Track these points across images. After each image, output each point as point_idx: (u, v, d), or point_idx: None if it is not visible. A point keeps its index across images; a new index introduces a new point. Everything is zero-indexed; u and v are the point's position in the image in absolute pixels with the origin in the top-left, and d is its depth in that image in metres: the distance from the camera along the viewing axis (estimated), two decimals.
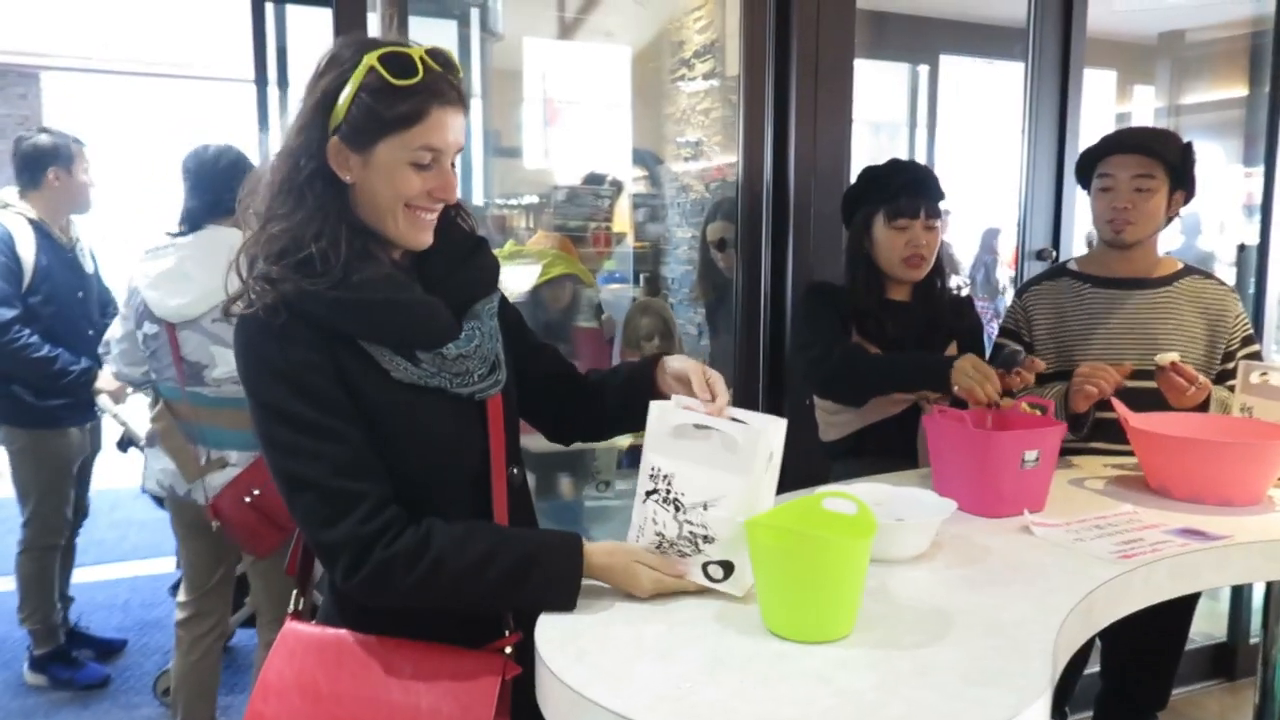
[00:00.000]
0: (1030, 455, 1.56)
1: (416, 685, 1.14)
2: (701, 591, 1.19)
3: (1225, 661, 3.24)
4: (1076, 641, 1.22)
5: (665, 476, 1.23)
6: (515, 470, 1.28)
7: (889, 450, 1.99)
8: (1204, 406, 1.95)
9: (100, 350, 2.53)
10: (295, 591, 1.26)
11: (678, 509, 1.22)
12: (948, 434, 1.61)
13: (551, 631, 1.11)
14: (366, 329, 1.15)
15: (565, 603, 1.15)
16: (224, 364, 2.18)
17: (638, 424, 1.36)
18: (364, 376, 1.15)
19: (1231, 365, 2.07)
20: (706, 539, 1.21)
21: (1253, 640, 3.24)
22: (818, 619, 1.08)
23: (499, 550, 1.14)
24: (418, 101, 1.13)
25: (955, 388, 1.73)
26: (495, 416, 1.24)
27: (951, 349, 2.06)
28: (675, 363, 1.32)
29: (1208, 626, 3.26)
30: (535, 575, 1.14)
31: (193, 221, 2.26)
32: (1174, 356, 1.90)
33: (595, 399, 1.41)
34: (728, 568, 1.21)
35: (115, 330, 2.36)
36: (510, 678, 1.16)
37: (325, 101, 1.13)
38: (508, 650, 1.20)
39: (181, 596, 2.48)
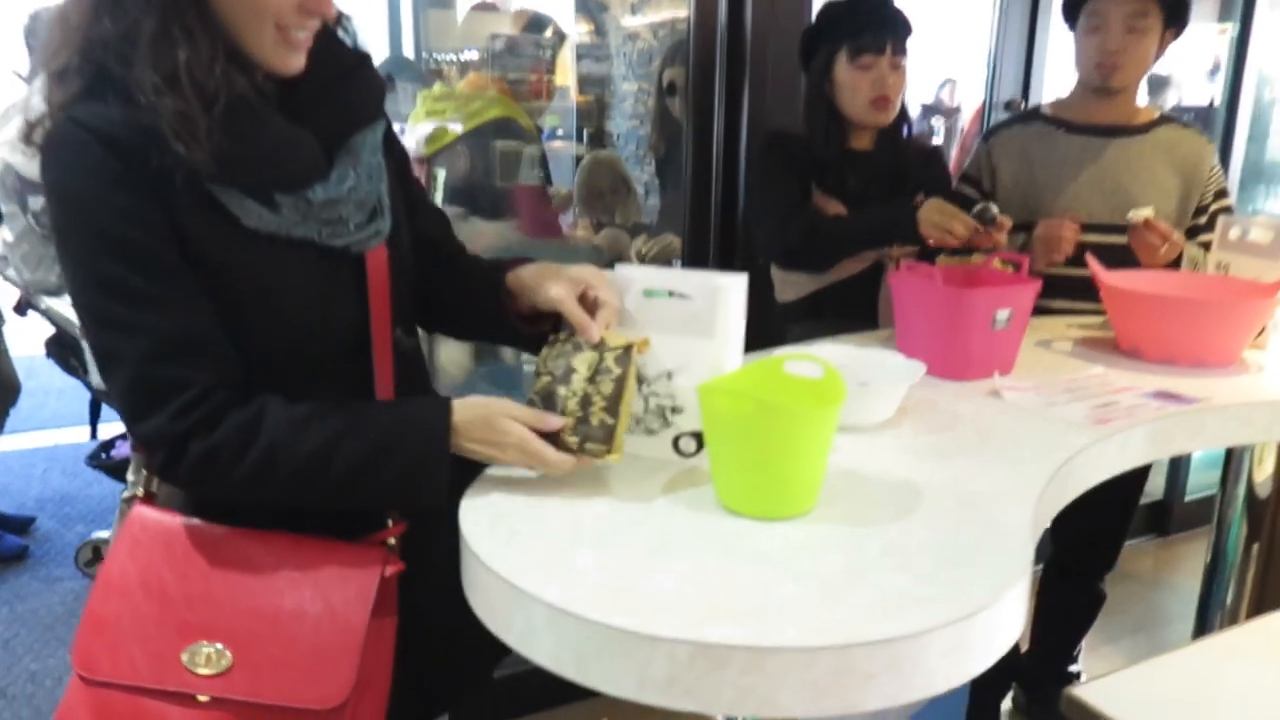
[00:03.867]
0: (1002, 315, 1.45)
1: (279, 584, 0.98)
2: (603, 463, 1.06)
3: (1161, 518, 3.29)
4: (1050, 514, 1.13)
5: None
6: (403, 334, 1.10)
7: (848, 311, 1.88)
8: (1175, 265, 1.86)
9: None
10: (144, 470, 1.05)
11: (641, 381, 1.09)
12: (915, 291, 1.49)
13: (478, 513, 0.98)
14: (210, 165, 0.90)
15: (431, 496, 0.97)
16: None
17: (493, 337, 1.23)
18: (207, 226, 0.93)
19: (1204, 220, 1.97)
20: (675, 409, 1.09)
21: (1188, 498, 3.29)
22: (779, 494, 0.97)
23: (345, 436, 0.95)
24: None
25: (924, 235, 1.60)
26: (376, 273, 1.04)
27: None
28: (549, 288, 1.08)
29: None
30: (390, 466, 0.96)
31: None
32: (1148, 213, 1.79)
33: (461, 289, 1.20)
34: (700, 439, 1.09)
35: (5, 235, 2.12)
36: (392, 574, 1.01)
37: None
38: (390, 542, 1.04)
39: (131, 475, 2.32)
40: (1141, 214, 1.77)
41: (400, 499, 1.02)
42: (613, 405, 1.03)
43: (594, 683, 0.80)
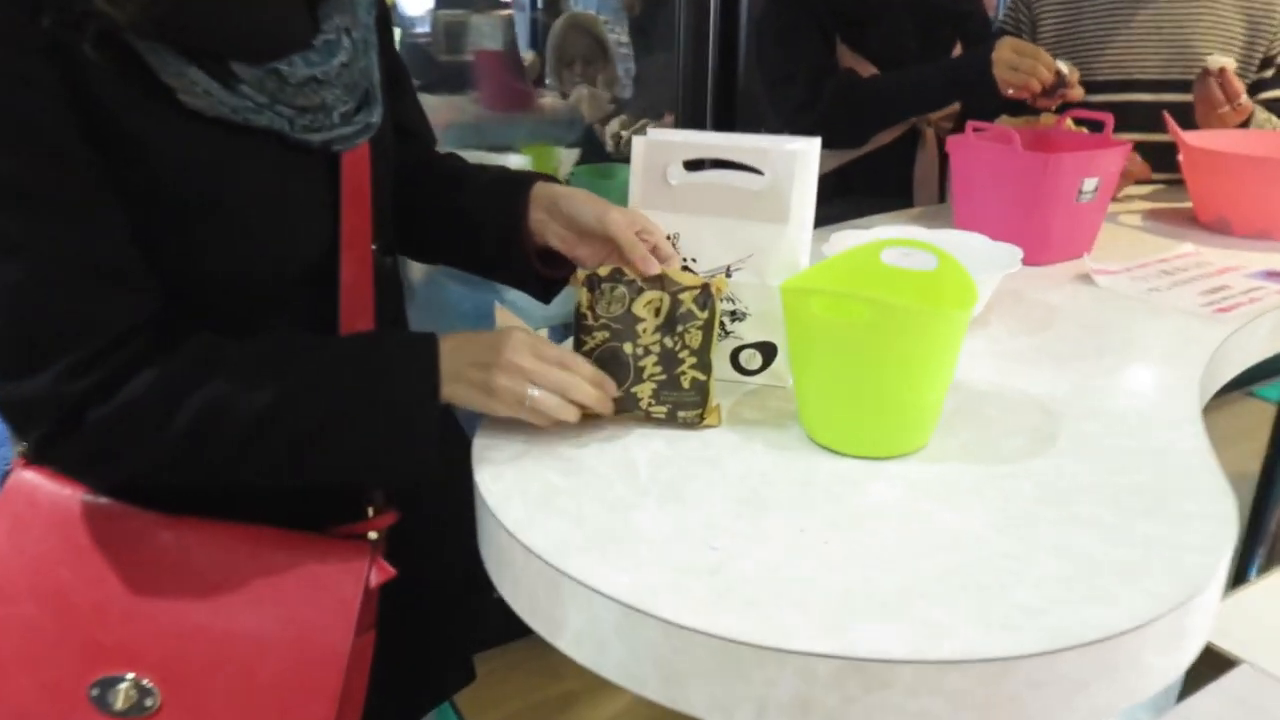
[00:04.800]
0: (1089, 185, 1.22)
1: (228, 594, 0.71)
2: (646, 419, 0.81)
3: None
4: None
5: (668, 238, 0.84)
6: (382, 253, 0.82)
7: (879, 187, 1.63)
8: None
9: None
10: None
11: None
12: (984, 159, 1.25)
13: (497, 464, 0.74)
14: (136, 12, 0.62)
15: (417, 464, 0.72)
16: None
17: (486, 267, 0.92)
18: (130, 103, 0.65)
19: (1270, 73, 1.74)
20: (734, 316, 0.85)
21: None
22: (894, 426, 0.74)
23: (304, 389, 0.69)
24: None
25: (1001, 82, 1.34)
26: (355, 177, 0.77)
27: (956, 53, 1.65)
28: (603, 211, 0.81)
29: None
30: (363, 427, 0.70)
31: None
32: (1229, 62, 1.55)
33: (447, 198, 0.92)
34: (767, 351, 0.86)
35: None
36: (379, 584, 0.75)
37: None
38: (373, 536, 0.78)
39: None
40: (1220, 61, 1.53)
41: (377, 472, 0.75)
42: (703, 359, 0.79)
43: (694, 708, 0.57)
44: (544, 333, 1.91)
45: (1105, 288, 1.15)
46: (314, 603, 0.74)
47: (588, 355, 0.78)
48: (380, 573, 0.77)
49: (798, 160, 0.82)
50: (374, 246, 0.80)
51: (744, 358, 0.88)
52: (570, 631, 0.62)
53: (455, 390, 0.73)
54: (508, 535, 0.66)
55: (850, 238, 1.08)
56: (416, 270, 2.00)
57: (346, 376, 0.70)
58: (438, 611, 0.93)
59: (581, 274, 0.79)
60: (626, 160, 0.87)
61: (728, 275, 0.84)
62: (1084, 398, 0.85)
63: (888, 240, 0.81)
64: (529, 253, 0.86)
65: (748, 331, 0.87)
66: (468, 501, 0.74)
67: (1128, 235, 1.39)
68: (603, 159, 2.38)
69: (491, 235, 0.87)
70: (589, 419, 0.79)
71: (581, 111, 2.36)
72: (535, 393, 0.73)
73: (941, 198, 1.63)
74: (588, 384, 0.75)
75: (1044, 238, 1.21)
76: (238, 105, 0.68)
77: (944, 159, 1.62)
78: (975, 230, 1.16)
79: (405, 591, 0.81)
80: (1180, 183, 1.55)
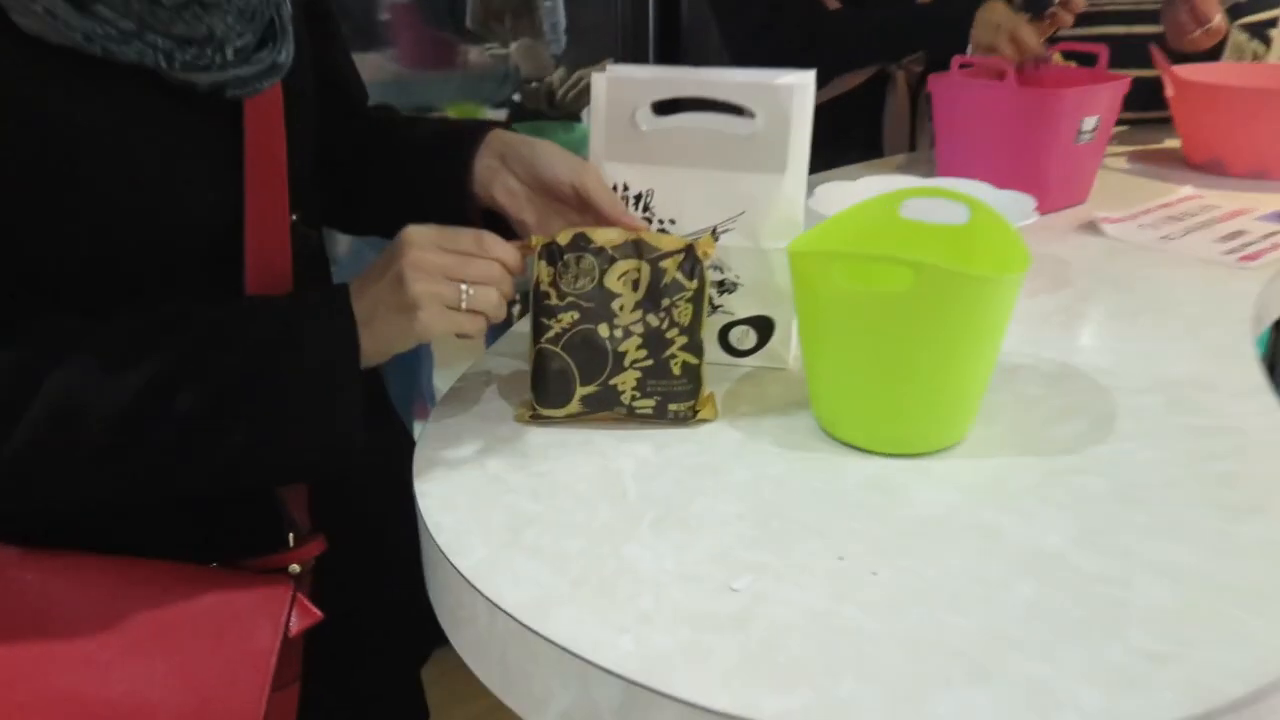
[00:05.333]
0: (1089, 124, 1.10)
1: (106, 650, 0.56)
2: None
3: None
4: None
5: (639, 197, 0.69)
6: (302, 224, 0.65)
7: (845, 135, 1.49)
8: (1214, 55, 1.53)
9: None
10: None
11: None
12: (972, 98, 1.12)
13: (440, 489, 0.59)
14: None
15: (336, 455, 0.57)
16: None
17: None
18: None
19: None
20: (723, 286, 0.71)
21: None
22: (931, 416, 0.61)
23: (184, 370, 0.54)
24: None
25: (978, 43, 1.21)
26: (263, 133, 0.61)
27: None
28: (552, 158, 0.68)
29: None
30: (262, 412, 0.55)
31: None
32: None
33: (372, 159, 0.78)
34: (762, 327, 0.72)
35: None
36: (303, 631, 0.61)
37: None
38: (294, 570, 0.63)
39: None
40: None
41: (291, 458, 0.58)
42: (694, 339, 0.64)
43: None
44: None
45: (1115, 237, 1.04)
46: (219, 656, 0.59)
47: (553, 343, 0.63)
48: (304, 616, 0.62)
49: (795, 96, 0.67)
50: (294, 218, 0.64)
51: (735, 336, 0.74)
52: (555, 713, 0.48)
53: (374, 332, 0.57)
54: (466, 585, 0.51)
55: (838, 191, 0.94)
56: (341, 243, 1.81)
57: (243, 340, 0.55)
58: (379, 658, 0.77)
59: (536, 241, 0.63)
60: (568, 118, 0.72)
61: (714, 238, 0.70)
62: (1131, 366, 0.73)
63: (909, 190, 0.67)
64: (474, 210, 0.71)
65: (739, 305, 0.72)
66: (413, 517, 0.59)
67: (1118, 180, 1.28)
68: (535, 119, 2.20)
69: (431, 186, 0.71)
70: (551, 421, 0.65)
71: (518, 66, 2.17)
72: (469, 289, 0.58)
73: (912, 146, 1.50)
74: (503, 244, 0.61)
75: (1041, 184, 1.09)
76: (92, 30, 0.52)
77: (915, 105, 1.49)
78: (964, 175, 1.03)
79: (338, 635, 0.67)
80: (1157, 121, 1.45)
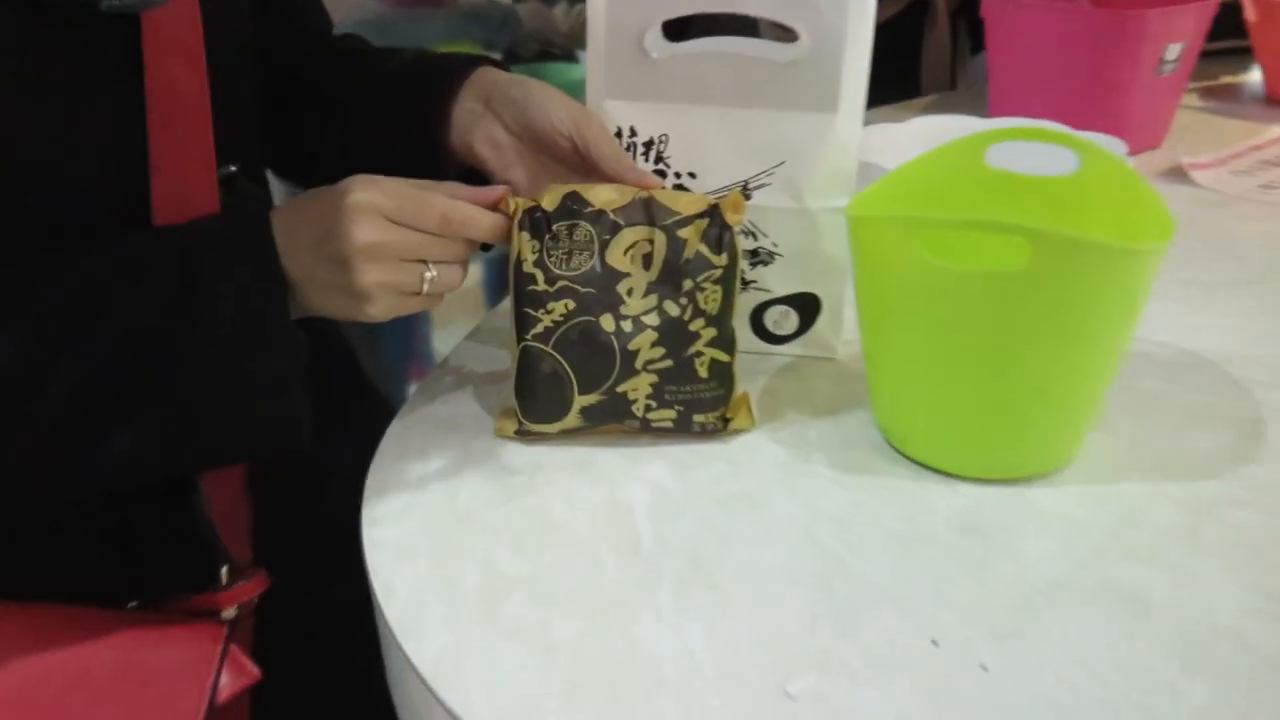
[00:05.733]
0: (1172, 52, 0.94)
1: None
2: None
3: None
4: None
5: (649, 144, 0.55)
6: (242, 176, 0.52)
7: (878, 71, 1.32)
8: None
9: None
10: None
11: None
12: (1036, 23, 0.95)
13: (391, 536, 0.45)
14: None
15: (278, 416, 0.46)
16: None
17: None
18: None
19: None
20: (755, 257, 0.57)
21: None
22: (1052, 429, 0.46)
23: (68, 335, 0.42)
24: None
25: None
26: (168, 58, 0.47)
27: None
28: (548, 101, 0.53)
29: None
30: (171, 371, 0.43)
31: None
32: None
33: (329, 95, 0.62)
34: (806, 307, 0.58)
35: None
36: (238, 693, 0.48)
37: None
38: (228, 615, 0.51)
39: None
40: None
41: (204, 452, 0.46)
42: (725, 330, 0.50)
43: None
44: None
45: (1207, 187, 0.88)
46: None
47: (542, 340, 0.49)
48: (238, 675, 0.50)
49: (851, 10, 0.52)
50: (232, 169, 0.51)
51: (772, 319, 0.59)
52: None
53: (306, 300, 0.46)
54: (424, 687, 0.37)
55: (887, 136, 0.79)
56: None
57: (139, 288, 0.43)
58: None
59: (516, 205, 0.48)
60: (573, 58, 0.57)
61: (745, 195, 0.55)
62: (1264, 350, 0.59)
63: (997, 132, 0.52)
64: (449, 165, 0.56)
65: (777, 280, 0.58)
66: None
67: (1195, 118, 1.12)
68: (536, 62, 2.03)
69: (398, 134, 0.56)
70: (538, 437, 0.51)
71: (520, 18, 1.98)
72: (430, 274, 0.46)
73: (952, 85, 1.34)
74: (475, 219, 0.47)
75: (1117, 122, 0.93)
76: None
77: (955, 38, 1.33)
78: (1022, 114, 0.88)
79: (286, 698, 0.54)
80: (1232, 51, 1.28)
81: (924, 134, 0.78)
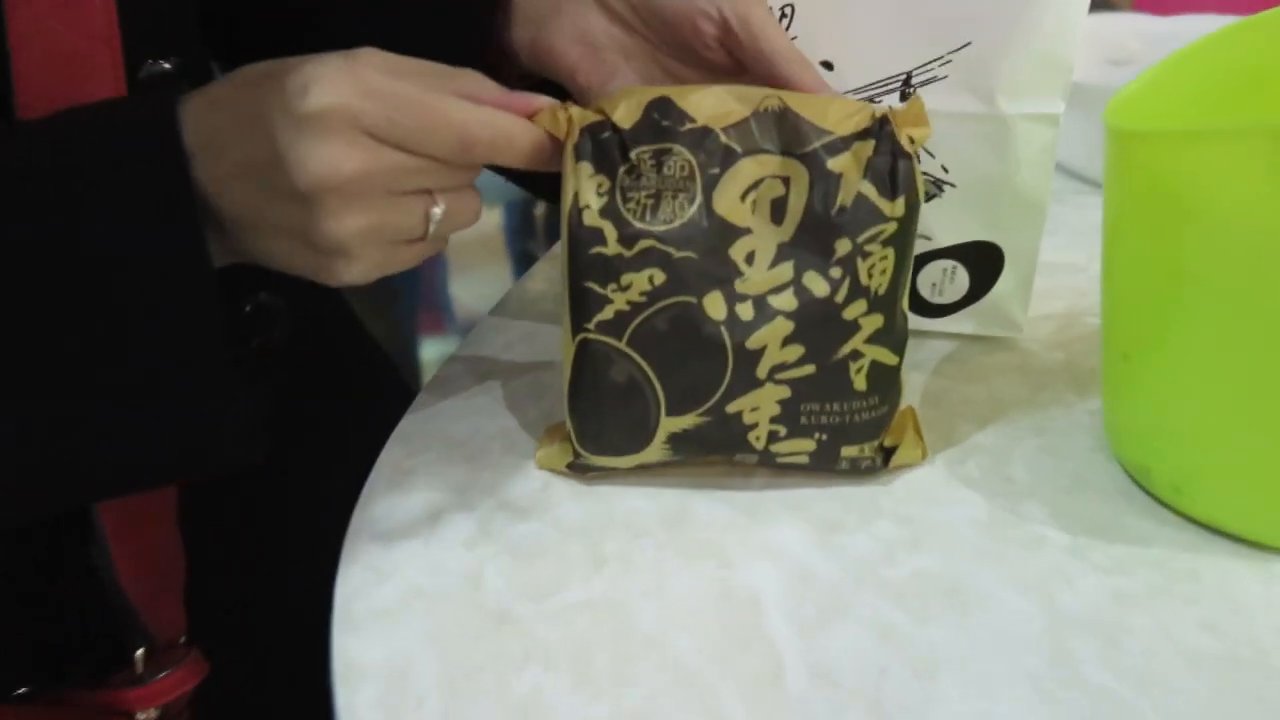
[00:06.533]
0: None
1: None
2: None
3: None
4: None
5: (784, 8, 0.36)
6: (172, 74, 0.33)
7: None
8: None
9: None
10: None
11: None
12: None
13: (371, 621, 0.28)
14: None
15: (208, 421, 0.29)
16: None
17: None
18: None
19: None
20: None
21: None
22: None
23: None
24: None
25: None
26: None
27: None
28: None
29: None
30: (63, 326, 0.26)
31: None
32: None
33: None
34: (981, 263, 0.40)
35: None
36: None
37: None
38: (146, 717, 0.36)
39: None
40: None
41: (84, 466, 0.29)
42: (893, 315, 0.32)
43: None
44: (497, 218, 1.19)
45: None
46: None
47: (612, 334, 0.31)
48: None
49: None
50: (164, 65, 0.34)
51: (929, 278, 0.41)
52: None
53: (253, 245, 0.29)
54: None
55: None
56: None
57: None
58: None
59: (570, 116, 0.30)
60: None
61: (904, 95, 0.37)
62: None
63: (1237, 23, 0.33)
64: (508, 73, 0.37)
65: (942, 223, 0.40)
66: None
67: None
68: None
69: (424, 25, 0.37)
70: (603, 474, 0.33)
71: None
72: (437, 209, 0.29)
73: None
74: (511, 134, 0.29)
75: None
76: None
77: None
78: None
79: None
80: None
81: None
